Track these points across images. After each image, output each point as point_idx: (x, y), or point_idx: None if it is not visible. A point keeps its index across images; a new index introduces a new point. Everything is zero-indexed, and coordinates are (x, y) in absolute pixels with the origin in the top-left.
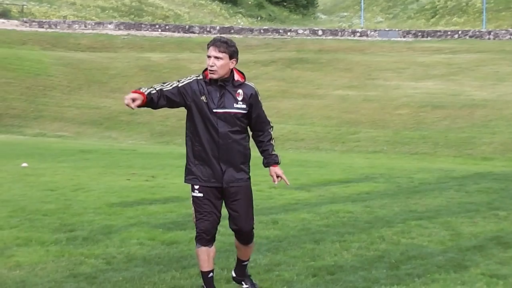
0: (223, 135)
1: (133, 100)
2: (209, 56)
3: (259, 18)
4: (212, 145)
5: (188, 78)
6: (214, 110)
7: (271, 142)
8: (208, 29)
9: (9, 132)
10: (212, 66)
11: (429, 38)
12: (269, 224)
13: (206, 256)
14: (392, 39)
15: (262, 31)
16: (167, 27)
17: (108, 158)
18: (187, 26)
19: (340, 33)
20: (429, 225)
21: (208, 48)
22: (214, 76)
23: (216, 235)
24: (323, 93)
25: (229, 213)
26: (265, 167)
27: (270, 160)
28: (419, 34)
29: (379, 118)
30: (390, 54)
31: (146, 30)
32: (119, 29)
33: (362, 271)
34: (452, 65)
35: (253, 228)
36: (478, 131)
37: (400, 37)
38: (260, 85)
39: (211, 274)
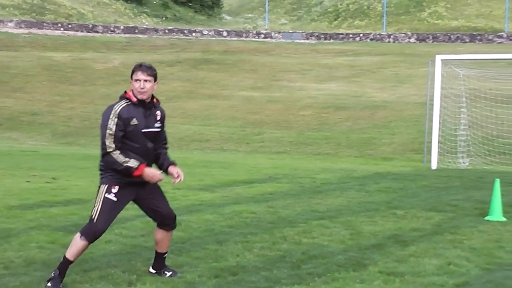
0: (150, 149)
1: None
2: (137, 80)
3: (164, 18)
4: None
5: (114, 112)
6: (143, 130)
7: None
8: (112, 28)
9: None
10: (143, 88)
11: (331, 41)
12: None
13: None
14: (296, 41)
15: (167, 31)
16: (70, 26)
17: (8, 160)
18: (90, 25)
19: (244, 34)
20: (330, 225)
21: (134, 73)
22: (145, 97)
23: None
24: (229, 94)
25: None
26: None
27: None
28: (322, 36)
29: (283, 119)
30: (294, 56)
31: (48, 29)
32: (20, 27)
33: (264, 271)
34: (355, 67)
35: None
36: (379, 132)
37: (304, 39)
38: (166, 86)
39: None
